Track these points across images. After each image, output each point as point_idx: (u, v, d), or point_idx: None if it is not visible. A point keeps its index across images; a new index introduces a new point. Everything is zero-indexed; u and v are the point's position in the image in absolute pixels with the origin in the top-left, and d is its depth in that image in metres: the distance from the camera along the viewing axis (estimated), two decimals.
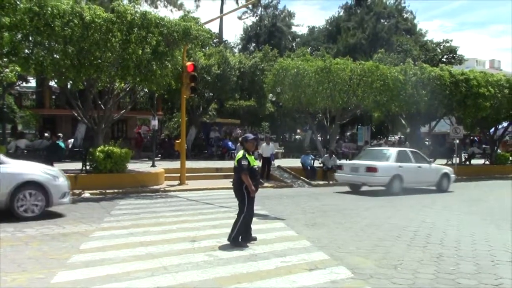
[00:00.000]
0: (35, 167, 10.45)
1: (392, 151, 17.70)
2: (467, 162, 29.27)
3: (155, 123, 22.38)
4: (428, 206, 13.53)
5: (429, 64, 27.29)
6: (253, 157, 8.26)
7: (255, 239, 8.19)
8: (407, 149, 18.80)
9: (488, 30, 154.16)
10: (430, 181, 17.83)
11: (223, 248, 7.74)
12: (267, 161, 19.68)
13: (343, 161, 20.94)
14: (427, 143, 31.70)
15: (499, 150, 29.76)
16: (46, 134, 18.41)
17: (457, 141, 25.61)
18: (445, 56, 51.16)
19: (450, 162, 27.13)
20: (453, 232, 9.60)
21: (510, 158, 28.96)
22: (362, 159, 17.65)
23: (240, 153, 8.07)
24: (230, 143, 28.75)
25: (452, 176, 18.56)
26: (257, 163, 8.56)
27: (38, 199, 10.07)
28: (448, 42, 51.74)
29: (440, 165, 19.49)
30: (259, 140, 21.38)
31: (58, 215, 10.55)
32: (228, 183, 17.72)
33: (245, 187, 7.92)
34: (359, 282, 6.13)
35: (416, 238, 8.89)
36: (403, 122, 26.97)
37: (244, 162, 7.88)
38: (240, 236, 7.98)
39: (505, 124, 29.56)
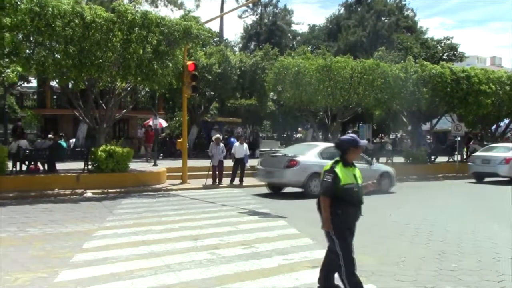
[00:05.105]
0: None
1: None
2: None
3: (157, 122, 22.41)
4: None
5: (430, 62, 27.24)
6: (356, 170, 5.17)
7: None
8: None
9: (489, 27, 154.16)
10: None
11: (225, 246, 7.75)
12: (240, 163, 17.62)
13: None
14: (428, 140, 31.69)
15: None
16: (50, 136, 18.47)
17: (459, 138, 25.56)
18: (446, 54, 51.07)
19: (451, 160, 27.11)
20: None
21: None
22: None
23: (328, 164, 5.15)
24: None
25: None
26: (357, 181, 5.11)
27: None
28: (448, 39, 51.67)
29: None
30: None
31: None
32: (229, 181, 17.80)
33: (334, 216, 4.99)
34: (361, 279, 6.12)
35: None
36: (404, 120, 26.94)
37: (327, 178, 5.00)
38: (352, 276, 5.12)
39: (506, 121, 29.55)
